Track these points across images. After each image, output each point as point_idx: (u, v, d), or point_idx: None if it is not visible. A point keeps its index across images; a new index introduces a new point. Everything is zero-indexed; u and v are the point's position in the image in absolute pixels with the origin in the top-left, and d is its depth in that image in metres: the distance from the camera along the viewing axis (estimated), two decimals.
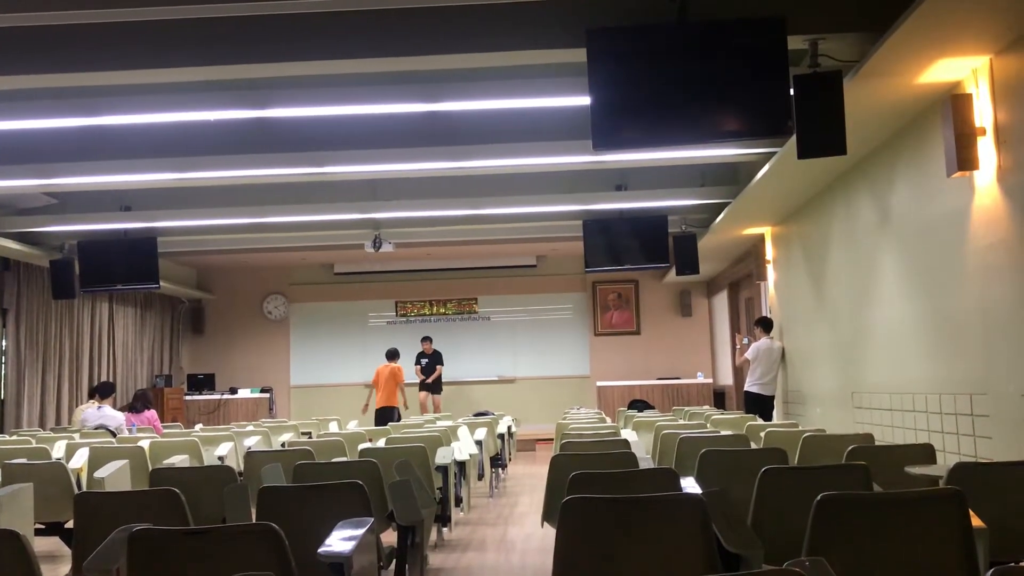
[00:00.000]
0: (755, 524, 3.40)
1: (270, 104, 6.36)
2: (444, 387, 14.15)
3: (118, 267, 10.21)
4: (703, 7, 4.85)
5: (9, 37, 5.12)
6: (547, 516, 4.46)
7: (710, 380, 14.63)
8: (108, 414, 9.33)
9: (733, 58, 4.85)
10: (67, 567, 4.82)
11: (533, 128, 7.13)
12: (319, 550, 2.87)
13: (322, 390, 15.31)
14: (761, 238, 10.95)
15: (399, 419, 11.58)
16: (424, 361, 13.98)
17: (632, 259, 10.08)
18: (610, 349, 15.24)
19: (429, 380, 13.80)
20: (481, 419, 9.51)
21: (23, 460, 5.81)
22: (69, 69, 5.26)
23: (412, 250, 13.13)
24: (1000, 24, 4.67)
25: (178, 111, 6.44)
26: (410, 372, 13.78)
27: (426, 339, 14.15)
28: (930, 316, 6.23)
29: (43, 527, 5.36)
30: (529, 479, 9.95)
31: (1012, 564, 3.22)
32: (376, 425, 10.72)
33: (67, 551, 5.31)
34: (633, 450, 4.95)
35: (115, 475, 5.28)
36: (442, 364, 14.03)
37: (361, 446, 6.20)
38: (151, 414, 10.06)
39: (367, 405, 13.01)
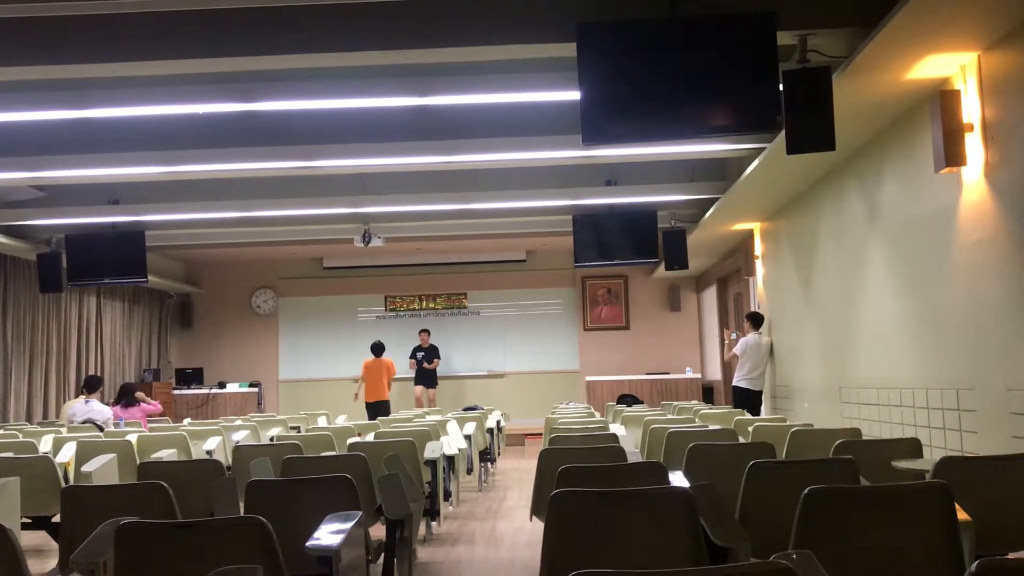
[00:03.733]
0: (743, 518, 3.42)
1: (259, 97, 6.34)
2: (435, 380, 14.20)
3: (106, 261, 10.17)
4: (693, 2, 4.85)
5: None
6: (536, 510, 4.47)
7: (699, 375, 14.67)
8: (96, 408, 9.28)
9: (723, 53, 4.85)
10: (54, 561, 4.80)
11: (523, 122, 7.12)
12: (307, 543, 2.87)
13: (311, 384, 15.29)
14: (750, 233, 10.97)
15: (389, 413, 11.57)
16: (420, 355, 14.03)
17: (621, 254, 10.08)
18: (599, 344, 15.26)
19: (429, 366, 13.87)
20: (470, 413, 9.51)
21: (10, 454, 5.78)
22: (56, 61, 5.23)
23: (402, 245, 13.11)
24: (988, 20, 4.69)
25: (166, 104, 6.41)
26: (403, 366, 13.82)
27: (424, 331, 14.20)
28: (918, 311, 6.26)
29: (30, 521, 5.33)
30: (518, 473, 9.96)
31: (997, 556, 3.24)
32: (369, 419, 10.71)
33: (54, 545, 5.29)
34: (622, 444, 4.96)
35: (102, 469, 5.26)
36: (439, 357, 14.10)
37: (350, 440, 6.19)
38: (143, 408, 10.00)
39: (357, 394, 12.99)
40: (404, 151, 7.56)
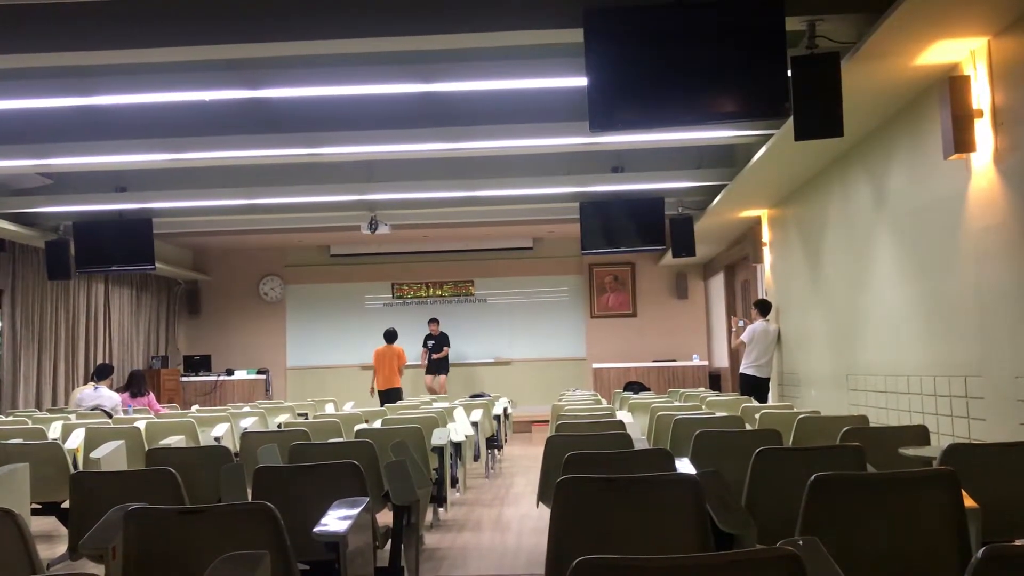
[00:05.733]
0: (749, 504, 3.42)
1: (266, 84, 6.33)
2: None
3: (114, 248, 10.20)
4: None
5: (3, 16, 5.09)
6: (542, 496, 4.48)
7: (706, 362, 14.66)
8: (104, 395, 9.32)
9: (731, 39, 4.83)
10: (63, 547, 4.84)
11: (530, 109, 7.10)
12: (315, 529, 2.88)
13: (318, 372, 15.33)
14: (757, 220, 10.94)
15: (401, 400, 11.58)
16: (431, 343, 14.09)
17: (628, 241, 10.07)
18: (606, 331, 15.26)
19: (437, 357, 13.93)
20: (477, 400, 9.52)
21: (19, 440, 5.81)
22: (64, 48, 5.22)
23: (409, 232, 13.11)
24: (999, 5, 4.65)
25: (174, 91, 6.41)
26: (413, 354, 13.84)
27: (433, 320, 14.25)
28: (926, 298, 6.24)
29: (39, 507, 5.36)
30: (525, 460, 9.98)
31: (1004, 543, 3.24)
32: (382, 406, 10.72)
33: (63, 531, 5.33)
34: (628, 431, 4.96)
35: (111, 455, 5.29)
36: (449, 346, 14.14)
37: (357, 427, 6.21)
38: (151, 398, 10.06)
39: (373, 388, 12.98)
40: (410, 138, 7.55)
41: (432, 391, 13.61)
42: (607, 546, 2.79)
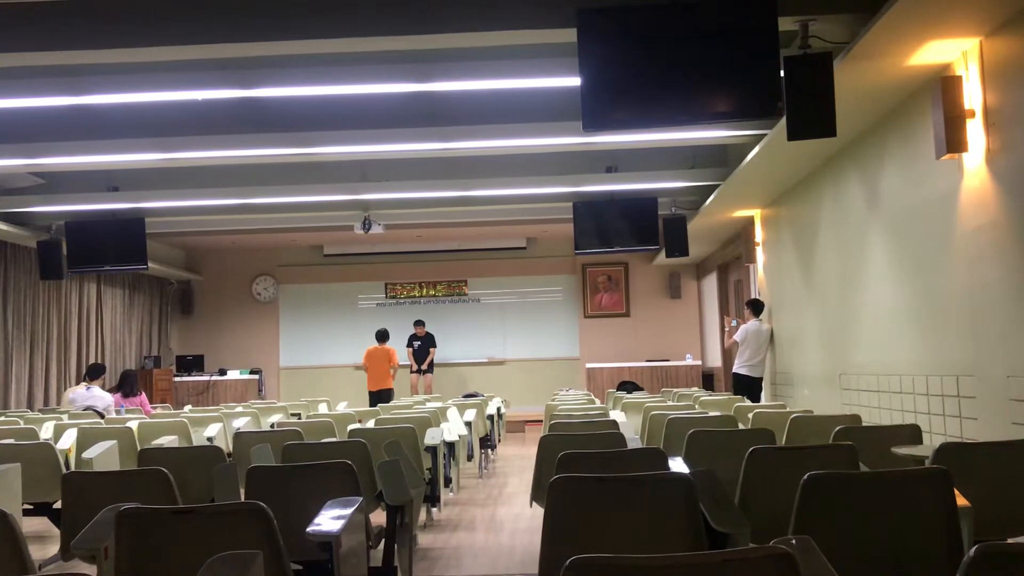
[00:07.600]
0: (742, 503, 3.42)
1: (259, 84, 6.32)
2: (435, 368, 14.19)
3: (106, 248, 10.18)
4: None
5: None
6: (536, 496, 4.47)
7: (699, 362, 14.68)
8: (96, 395, 9.29)
9: (724, 39, 4.84)
10: (55, 547, 4.82)
11: (524, 109, 7.10)
12: (308, 529, 2.87)
13: (311, 372, 15.31)
14: (751, 220, 10.96)
15: (391, 402, 11.58)
16: (417, 344, 14.02)
17: (622, 241, 10.08)
18: (599, 331, 15.26)
19: (424, 366, 13.87)
20: (470, 400, 9.52)
21: (11, 441, 5.79)
22: (57, 47, 5.21)
23: (402, 232, 13.10)
24: (991, 6, 4.66)
25: (166, 90, 6.39)
26: (402, 354, 13.81)
27: (419, 323, 14.18)
28: (918, 298, 6.26)
29: (31, 507, 5.34)
30: (518, 460, 9.98)
31: (996, 542, 3.24)
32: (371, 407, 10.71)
33: (55, 531, 5.30)
34: (622, 431, 4.96)
35: (103, 455, 5.28)
36: (435, 347, 14.08)
37: (350, 427, 6.20)
38: (143, 398, 10.02)
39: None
40: (404, 138, 7.54)
41: (415, 389, 13.60)
42: (601, 545, 2.79)
